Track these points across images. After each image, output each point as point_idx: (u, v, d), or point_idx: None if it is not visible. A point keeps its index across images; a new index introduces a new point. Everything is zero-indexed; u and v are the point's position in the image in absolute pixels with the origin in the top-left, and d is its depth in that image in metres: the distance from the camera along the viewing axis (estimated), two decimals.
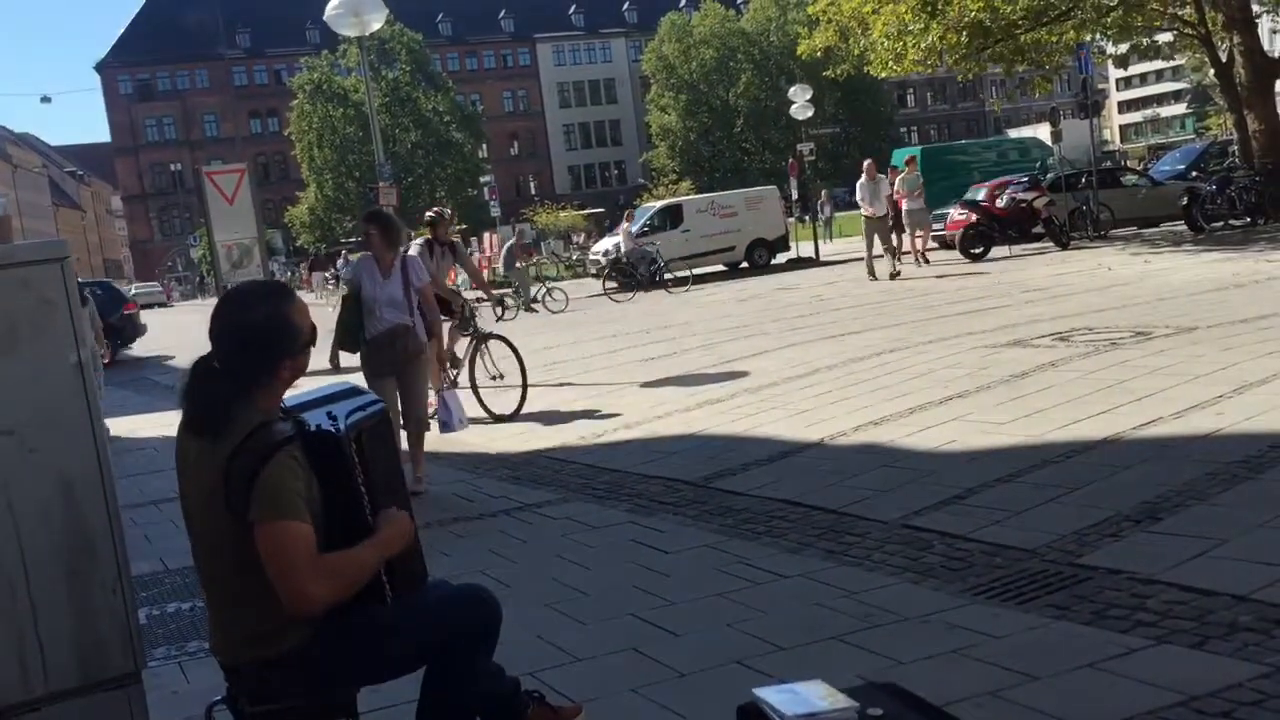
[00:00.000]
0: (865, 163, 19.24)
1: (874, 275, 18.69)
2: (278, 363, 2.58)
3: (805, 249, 28.48)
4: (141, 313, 25.20)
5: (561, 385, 11.07)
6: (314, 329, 2.70)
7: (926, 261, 20.69)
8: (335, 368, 6.80)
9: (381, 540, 2.56)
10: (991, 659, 3.58)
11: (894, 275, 18.39)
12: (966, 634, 3.81)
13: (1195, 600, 3.83)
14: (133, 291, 68.17)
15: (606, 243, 29.19)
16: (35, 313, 2.77)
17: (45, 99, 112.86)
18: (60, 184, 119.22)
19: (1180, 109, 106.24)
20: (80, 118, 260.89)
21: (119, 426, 11.05)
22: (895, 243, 19.39)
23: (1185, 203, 20.78)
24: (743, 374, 10.15)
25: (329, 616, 2.55)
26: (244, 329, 2.59)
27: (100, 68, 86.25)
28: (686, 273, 23.79)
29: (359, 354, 7.03)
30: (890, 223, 19.59)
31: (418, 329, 7.01)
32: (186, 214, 79.89)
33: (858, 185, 18.88)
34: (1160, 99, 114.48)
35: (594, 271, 28.74)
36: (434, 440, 8.98)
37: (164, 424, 10.14)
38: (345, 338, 7.03)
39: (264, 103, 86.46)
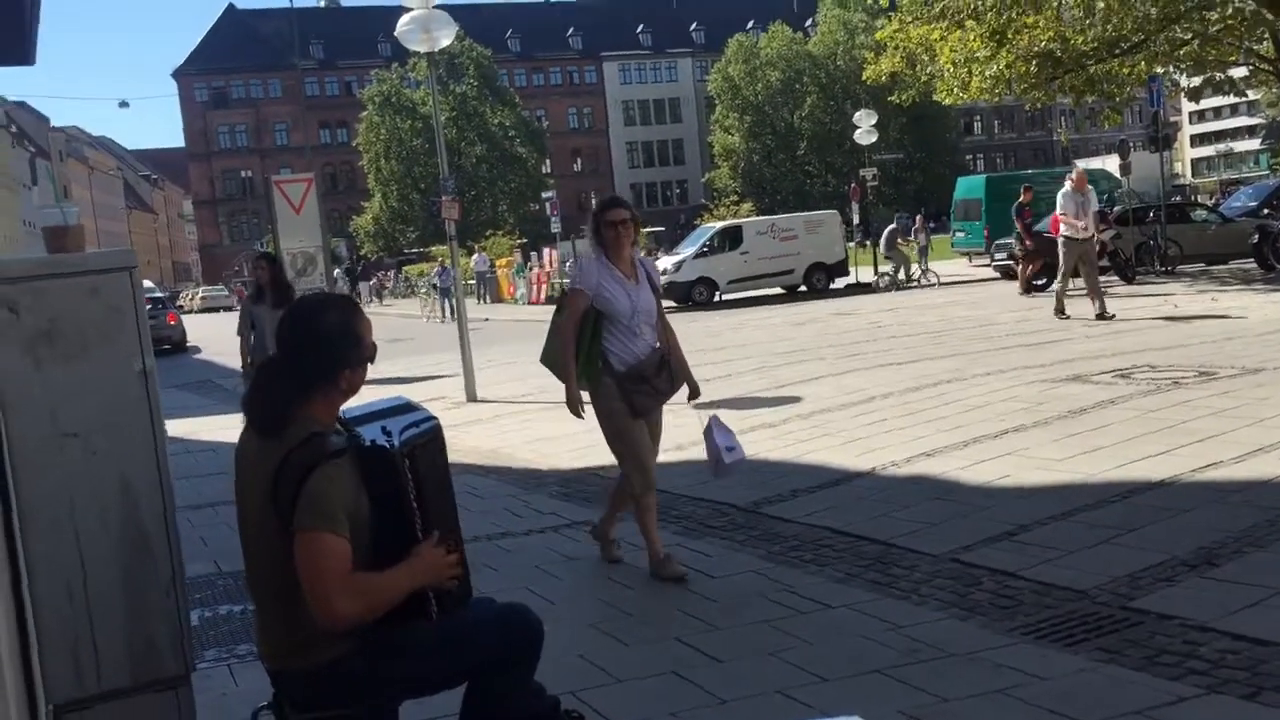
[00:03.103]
0: (1073, 171, 15.89)
1: (1064, 311, 14.69)
2: (338, 371, 2.65)
3: (865, 274, 28.33)
4: (204, 316, 25.68)
5: None
6: (375, 347, 2.77)
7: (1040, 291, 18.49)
8: (578, 412, 5.28)
9: (413, 568, 2.58)
10: (1037, 701, 3.53)
11: (1103, 315, 14.15)
12: (1013, 674, 3.76)
13: (1249, 650, 3.75)
14: (200, 293, 69.70)
15: (665, 261, 29.21)
16: (104, 320, 2.85)
17: (123, 104, 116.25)
18: (135, 187, 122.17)
19: (1254, 144, 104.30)
20: (156, 123, 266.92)
21: (180, 428, 11.26)
22: (1092, 275, 14.86)
23: (1255, 240, 20.38)
24: (796, 399, 10.10)
25: (374, 629, 2.59)
26: (312, 334, 2.67)
27: (177, 75, 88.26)
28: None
29: (591, 391, 5.31)
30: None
31: None
32: (255, 220, 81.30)
33: (1060, 196, 15.06)
34: (1234, 134, 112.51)
35: None
36: (484, 453, 9.07)
37: (224, 427, 10.32)
38: (587, 369, 5.24)
39: (334, 114, 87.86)
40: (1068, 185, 14.93)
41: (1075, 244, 14.58)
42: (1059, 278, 15.05)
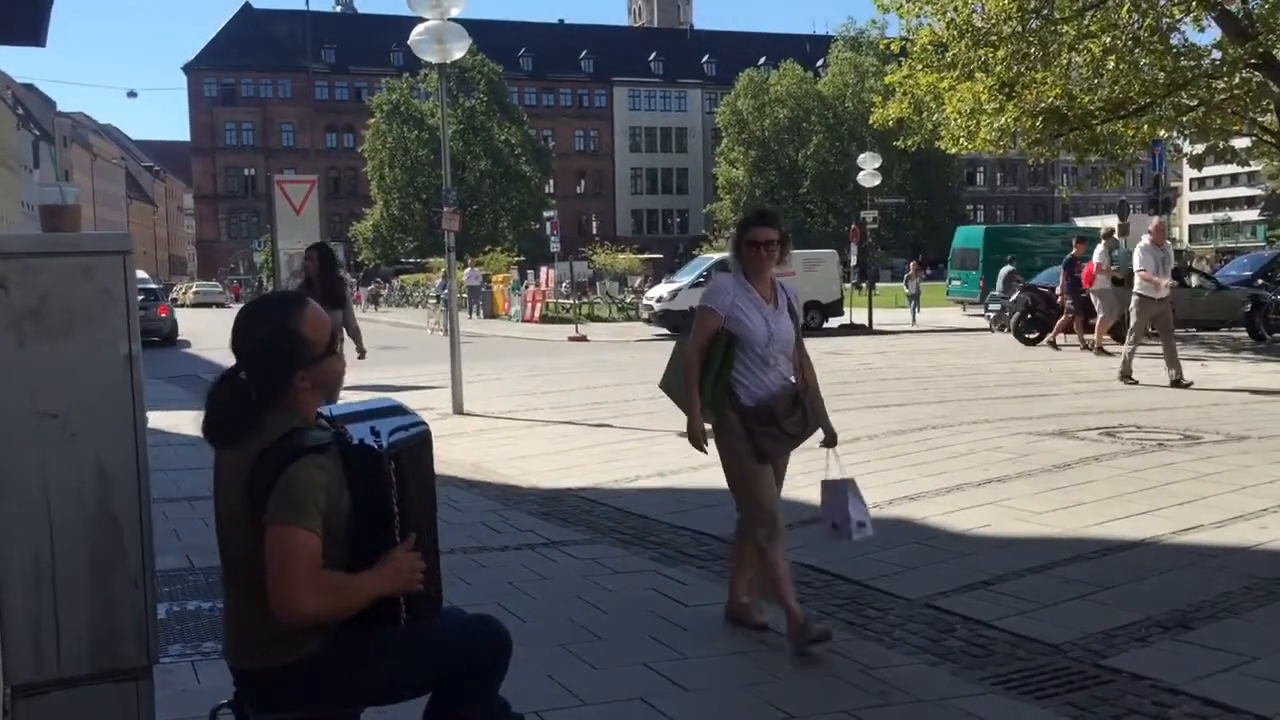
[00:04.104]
0: (1152, 223, 14.33)
1: (1131, 376, 13.43)
2: (289, 374, 2.60)
3: (859, 315, 28.40)
4: (196, 311, 25.48)
5: (600, 426, 11.09)
6: (332, 338, 2.71)
7: (1104, 351, 17.77)
8: (701, 446, 4.65)
9: (381, 574, 2.55)
10: None
11: (1179, 382, 13.03)
12: None
13: (1218, 716, 3.75)
14: (194, 288, 69.55)
15: (661, 289, 29.27)
16: (94, 302, 2.83)
17: (131, 94, 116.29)
18: (136, 177, 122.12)
19: (1253, 215, 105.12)
20: (163, 115, 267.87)
21: (162, 420, 11.19)
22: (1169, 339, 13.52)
23: (1249, 309, 20.50)
24: None
25: (341, 632, 2.57)
26: (254, 343, 2.63)
27: (188, 69, 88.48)
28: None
29: (715, 425, 4.64)
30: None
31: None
32: (254, 218, 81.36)
33: (1138, 250, 13.59)
34: (1233, 203, 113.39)
35: (645, 316, 28.81)
36: (466, 467, 9.04)
37: None
38: (714, 399, 4.59)
39: (341, 118, 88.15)
40: (1146, 239, 13.65)
41: (1151, 303, 13.33)
42: (1131, 339, 13.66)
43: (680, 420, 4.80)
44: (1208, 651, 4.34)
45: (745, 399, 4.56)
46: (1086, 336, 18.55)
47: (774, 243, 4.60)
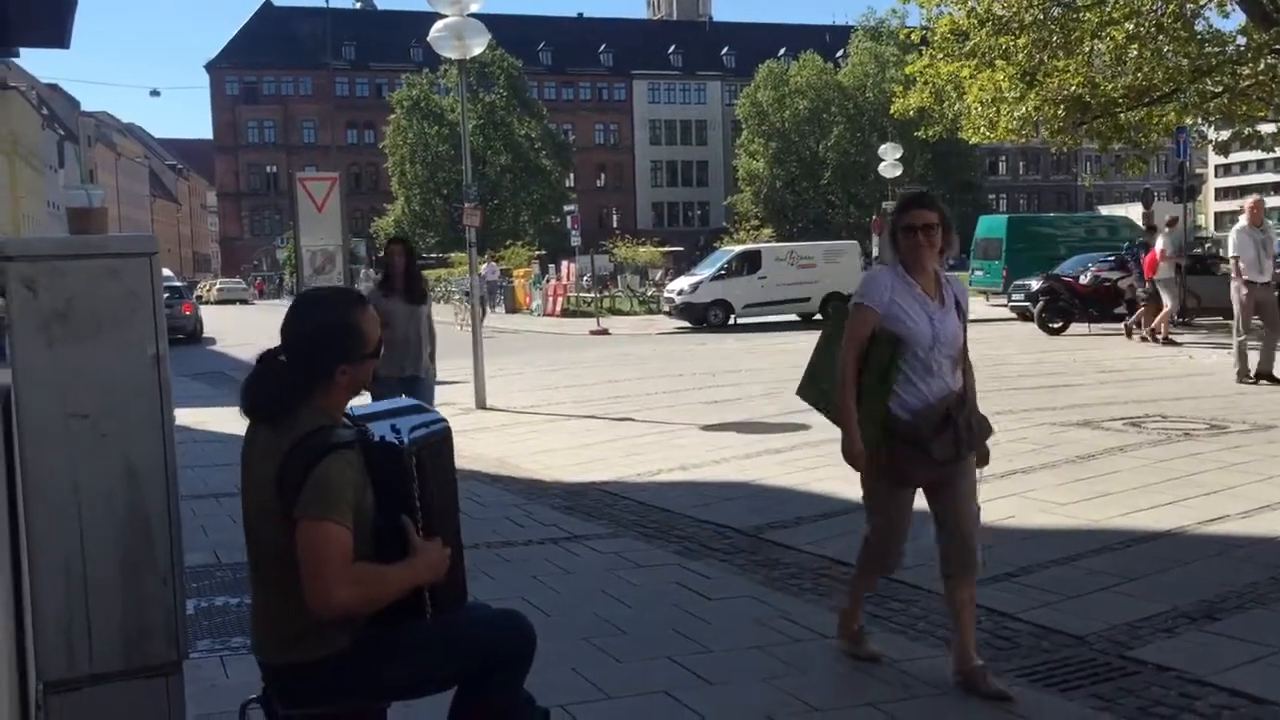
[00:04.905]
0: (1248, 200, 13.04)
1: (1249, 372, 12.10)
2: (334, 367, 2.63)
3: None
4: (220, 308, 25.56)
5: (623, 420, 11.11)
6: (381, 341, 2.75)
7: (1163, 339, 17.19)
8: (859, 466, 4.11)
9: (413, 566, 2.59)
10: None
11: (1267, 374, 12.09)
12: (1006, 716, 3.75)
13: (1245, 707, 3.73)
14: (217, 285, 69.98)
15: (682, 281, 29.27)
16: (120, 303, 2.85)
17: (154, 93, 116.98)
18: (160, 176, 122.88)
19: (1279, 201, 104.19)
20: (185, 113, 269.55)
21: (188, 417, 11.29)
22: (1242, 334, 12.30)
23: (1277, 295, 20.28)
24: (804, 426, 10.06)
25: (367, 628, 2.60)
26: (309, 329, 2.67)
27: (210, 67, 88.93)
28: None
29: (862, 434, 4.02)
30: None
31: None
32: (277, 215, 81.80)
33: (1234, 234, 12.56)
34: (1259, 189, 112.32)
35: (667, 309, 28.82)
36: (490, 462, 9.08)
37: (232, 418, 10.33)
38: (870, 409, 3.99)
39: (362, 115, 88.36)
40: (1243, 221, 12.50)
41: (1255, 289, 12.17)
42: (1237, 331, 12.37)
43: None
44: (1234, 642, 4.32)
45: (898, 410, 3.96)
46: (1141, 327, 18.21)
47: (934, 226, 4.01)
